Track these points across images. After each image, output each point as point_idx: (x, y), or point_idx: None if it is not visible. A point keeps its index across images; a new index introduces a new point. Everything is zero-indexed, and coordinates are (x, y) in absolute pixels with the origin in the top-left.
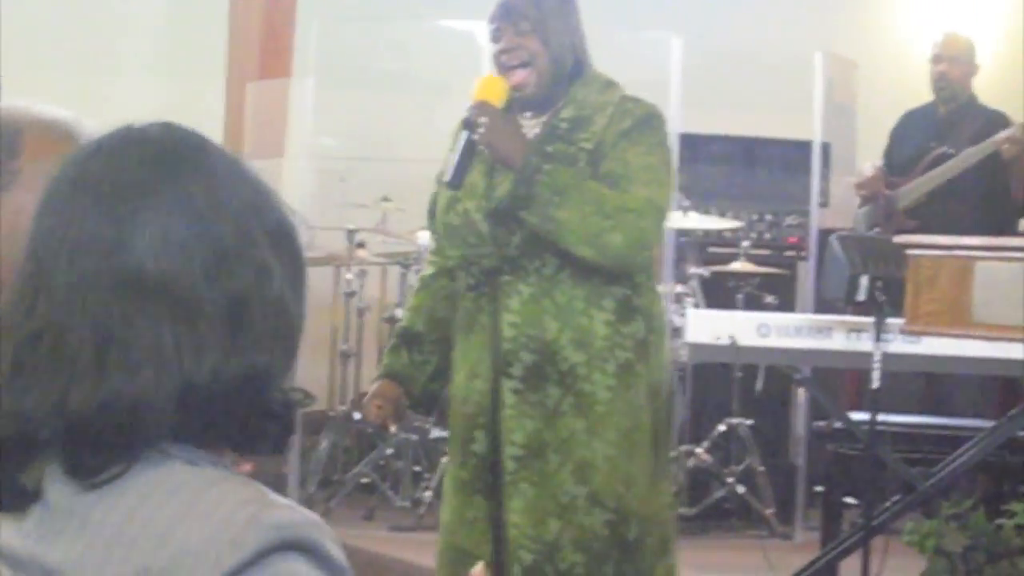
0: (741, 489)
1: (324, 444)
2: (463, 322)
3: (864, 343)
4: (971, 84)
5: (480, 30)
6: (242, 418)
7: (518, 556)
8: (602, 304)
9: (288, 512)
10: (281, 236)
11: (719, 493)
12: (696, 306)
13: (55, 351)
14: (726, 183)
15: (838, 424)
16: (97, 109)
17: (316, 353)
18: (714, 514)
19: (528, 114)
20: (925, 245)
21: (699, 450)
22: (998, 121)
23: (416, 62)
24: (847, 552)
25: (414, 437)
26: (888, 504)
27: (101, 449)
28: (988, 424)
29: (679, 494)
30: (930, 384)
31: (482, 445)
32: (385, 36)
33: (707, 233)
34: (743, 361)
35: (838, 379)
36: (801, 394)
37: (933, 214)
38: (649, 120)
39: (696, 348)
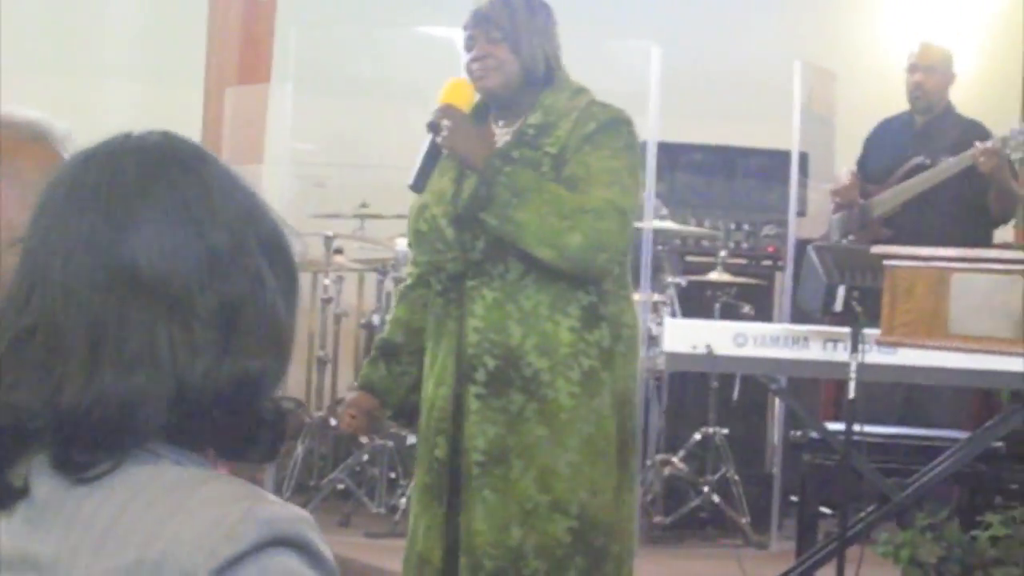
0: (716, 498)
1: (300, 450)
2: (433, 328)
3: (840, 353)
4: (948, 94)
5: (459, 37)
6: (234, 424)
7: (481, 563)
8: (567, 311)
9: (281, 508)
10: (275, 246)
11: (694, 502)
12: (673, 315)
13: (49, 347)
14: (704, 192)
15: (814, 434)
16: (76, 114)
17: (293, 359)
18: (689, 523)
19: (501, 122)
20: (902, 256)
21: (675, 459)
22: (975, 131)
23: (395, 68)
24: (822, 562)
25: (390, 444)
26: (863, 514)
27: (91, 445)
28: (963, 435)
29: (654, 502)
30: (906, 395)
31: (443, 451)
32: (364, 42)
33: (684, 242)
34: (720, 370)
35: (814, 389)
36: (777, 404)
37: (908, 223)
38: (614, 124)
39: (673, 357)
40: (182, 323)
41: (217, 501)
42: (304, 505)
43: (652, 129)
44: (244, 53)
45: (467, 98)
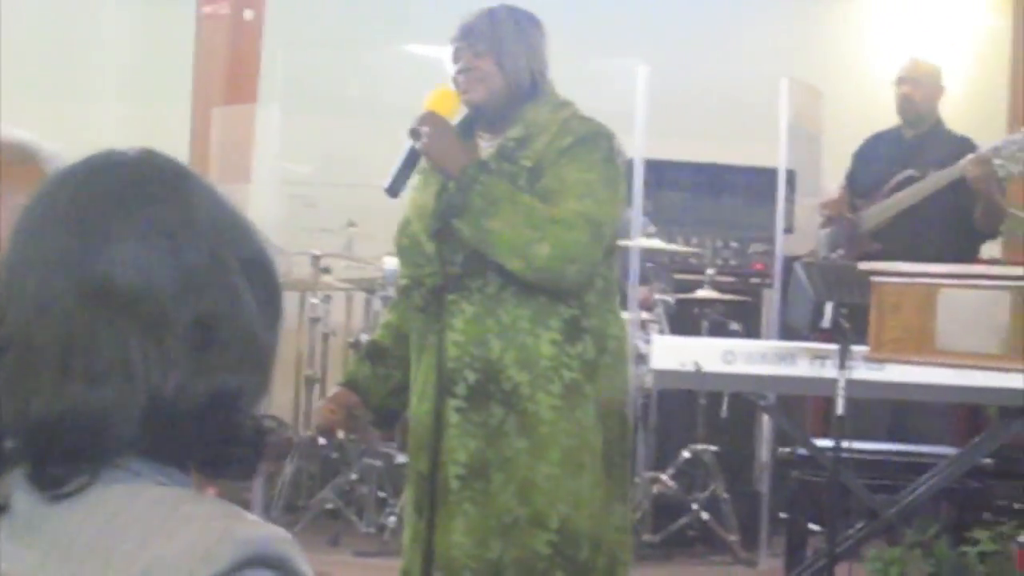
0: (705, 515)
1: (289, 470)
2: (415, 344)
3: (829, 370)
4: (937, 108)
5: (446, 56)
6: (211, 440)
7: None
8: (548, 323)
9: (260, 528)
10: (256, 264)
11: (683, 519)
12: (661, 332)
13: (20, 360)
14: (692, 210)
15: (802, 451)
16: (65, 134)
17: (281, 378)
18: (678, 540)
19: (486, 135)
20: (889, 272)
21: (663, 476)
22: (965, 147)
23: (382, 88)
24: None
25: (378, 463)
26: (852, 531)
27: (63, 459)
28: (952, 451)
29: (643, 520)
30: (894, 411)
31: (424, 465)
32: (351, 62)
33: (672, 260)
34: (708, 388)
35: (803, 406)
36: (766, 421)
37: (897, 237)
38: (591, 137)
39: (661, 374)
40: (155, 337)
41: (196, 521)
42: (293, 525)
43: (639, 147)
44: (231, 73)
45: (451, 107)
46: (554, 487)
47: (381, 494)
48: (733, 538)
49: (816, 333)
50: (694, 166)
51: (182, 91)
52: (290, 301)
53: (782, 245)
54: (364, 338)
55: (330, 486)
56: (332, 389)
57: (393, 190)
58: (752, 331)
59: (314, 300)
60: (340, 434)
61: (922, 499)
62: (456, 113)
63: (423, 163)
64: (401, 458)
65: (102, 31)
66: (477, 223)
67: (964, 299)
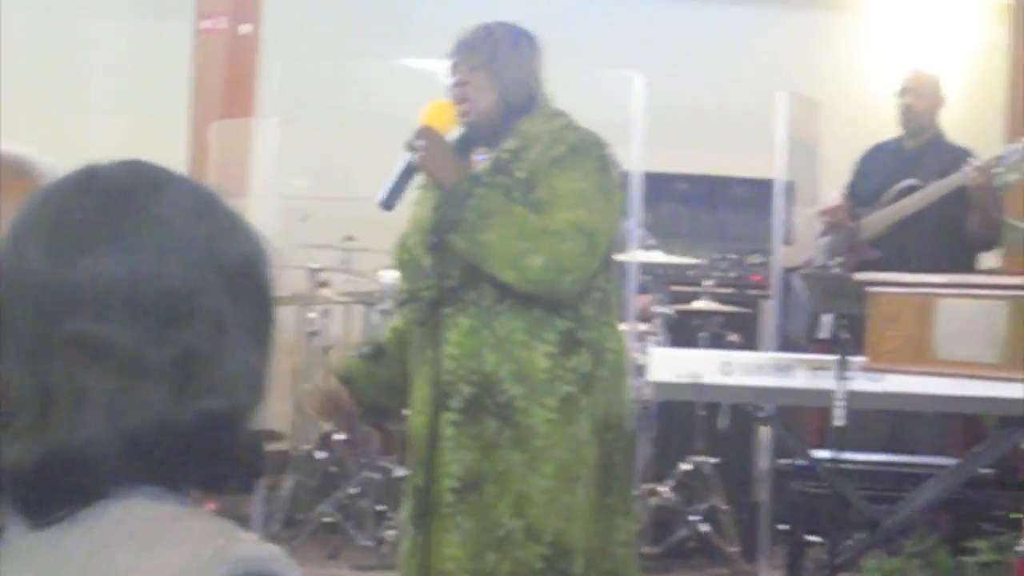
0: (705, 527)
1: (288, 483)
2: (414, 357)
3: (827, 381)
4: (937, 118)
5: (443, 69)
6: (203, 461)
7: None
8: (544, 336)
9: (254, 546)
10: (243, 275)
11: (683, 532)
12: (660, 344)
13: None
14: (689, 222)
15: (802, 462)
16: (62, 149)
17: (279, 392)
18: (678, 553)
19: (482, 149)
20: (886, 283)
21: (663, 488)
22: (964, 158)
23: (380, 101)
24: None
25: (377, 476)
26: (851, 542)
27: (47, 498)
28: (951, 462)
29: (642, 532)
30: (893, 422)
31: (421, 479)
32: (348, 75)
33: (670, 272)
34: (707, 399)
35: (801, 417)
36: (765, 432)
37: (896, 246)
38: (583, 147)
39: (660, 386)
40: (131, 379)
41: (190, 540)
42: (292, 539)
43: (636, 159)
44: (229, 87)
45: (448, 121)
46: (548, 501)
47: (380, 507)
48: (733, 550)
49: (814, 344)
50: (692, 178)
51: (180, 105)
52: (287, 315)
53: (780, 256)
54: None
55: (329, 500)
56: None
57: (388, 203)
58: (750, 342)
59: (312, 314)
60: (331, 429)
61: (921, 510)
62: (453, 127)
63: (422, 178)
64: (400, 471)
65: (100, 46)
66: (471, 236)
67: (962, 309)
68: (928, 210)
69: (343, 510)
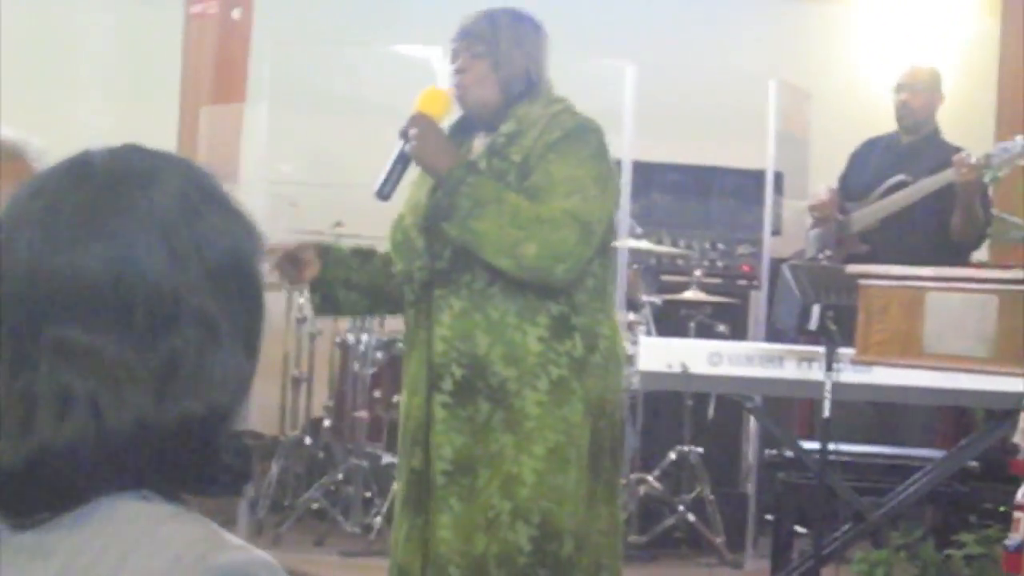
0: (691, 517)
1: (275, 469)
2: (407, 338)
3: (815, 372)
4: (935, 115)
5: (434, 55)
6: (188, 463)
7: (447, 572)
8: (536, 320)
9: (235, 553)
10: (230, 269)
11: (669, 521)
12: (648, 334)
13: None
14: (679, 212)
15: (789, 453)
16: (52, 132)
17: (267, 379)
18: (664, 542)
19: (481, 134)
20: (876, 275)
21: (650, 478)
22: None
23: (370, 88)
24: None
25: (365, 463)
26: (838, 533)
27: (30, 500)
28: (938, 454)
29: (629, 521)
30: (881, 414)
31: (419, 461)
32: (339, 61)
33: (659, 262)
34: (694, 389)
35: (789, 408)
36: (752, 423)
37: (885, 240)
38: (579, 132)
39: (648, 376)
40: (115, 382)
41: (173, 544)
42: (279, 525)
43: (626, 149)
44: (219, 72)
45: (442, 107)
46: (538, 482)
47: (367, 494)
48: (719, 540)
49: (803, 335)
50: (681, 167)
51: (170, 90)
52: (277, 302)
53: (769, 247)
54: (350, 338)
55: (316, 486)
56: (319, 390)
57: (383, 193)
58: (739, 333)
59: (301, 300)
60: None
61: (908, 502)
62: (448, 113)
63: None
64: (387, 458)
65: (90, 30)
66: (464, 225)
67: (951, 302)
68: (918, 206)
69: (330, 496)
